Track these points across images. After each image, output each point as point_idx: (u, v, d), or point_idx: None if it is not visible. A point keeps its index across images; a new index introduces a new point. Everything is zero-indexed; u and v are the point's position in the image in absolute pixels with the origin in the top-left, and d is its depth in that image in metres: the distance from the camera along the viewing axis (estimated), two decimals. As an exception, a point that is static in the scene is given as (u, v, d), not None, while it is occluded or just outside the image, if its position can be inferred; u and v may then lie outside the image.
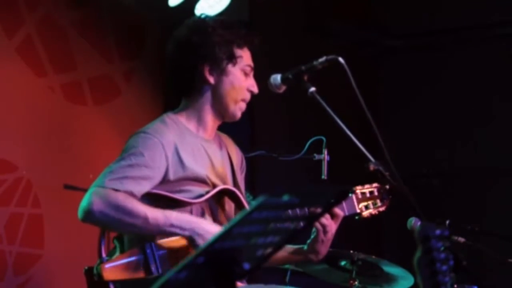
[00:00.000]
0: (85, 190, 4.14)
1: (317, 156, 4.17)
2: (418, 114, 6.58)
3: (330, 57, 2.96)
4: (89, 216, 2.95)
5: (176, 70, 3.24)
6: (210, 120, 3.24)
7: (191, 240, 2.98)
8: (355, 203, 3.44)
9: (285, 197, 2.04)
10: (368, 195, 3.51)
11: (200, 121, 3.22)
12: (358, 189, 3.49)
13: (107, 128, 5.28)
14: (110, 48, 5.30)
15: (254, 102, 3.27)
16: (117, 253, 3.03)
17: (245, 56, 3.22)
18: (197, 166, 3.14)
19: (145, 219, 2.94)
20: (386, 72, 6.81)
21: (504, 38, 6.35)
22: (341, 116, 2.88)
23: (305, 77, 3.00)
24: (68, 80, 5.07)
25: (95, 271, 2.93)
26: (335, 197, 2.33)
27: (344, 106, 3.16)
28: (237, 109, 3.23)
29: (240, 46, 3.21)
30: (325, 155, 4.13)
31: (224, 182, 3.23)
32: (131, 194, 2.97)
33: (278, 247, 2.24)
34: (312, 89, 2.94)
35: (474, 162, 6.34)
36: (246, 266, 2.15)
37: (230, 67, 3.18)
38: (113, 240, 3.09)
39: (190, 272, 2.06)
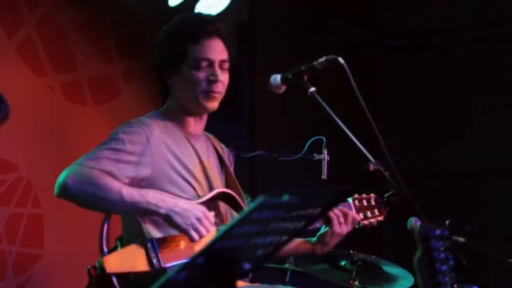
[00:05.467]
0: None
1: (317, 156, 4.17)
2: (418, 114, 6.58)
3: (330, 57, 2.95)
4: (64, 190, 3.00)
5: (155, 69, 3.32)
6: (190, 117, 3.28)
7: (167, 218, 2.99)
8: (354, 210, 3.45)
9: (285, 197, 2.04)
10: (365, 203, 3.52)
11: (180, 118, 3.27)
12: (355, 197, 3.50)
13: (107, 128, 5.25)
14: (110, 48, 5.30)
15: (254, 102, 3.27)
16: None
17: (197, 49, 3.21)
18: (185, 158, 3.17)
19: (120, 194, 2.96)
20: (386, 72, 6.81)
21: (504, 38, 6.35)
22: (341, 116, 2.88)
23: (305, 77, 2.99)
24: (68, 80, 5.07)
25: (97, 265, 2.94)
26: (335, 196, 2.32)
27: (344, 106, 3.16)
28: (204, 101, 3.22)
29: (193, 42, 3.21)
30: (325, 155, 4.13)
31: (210, 176, 3.23)
32: (109, 174, 3.00)
33: (278, 247, 2.24)
34: (312, 89, 2.94)
35: (474, 162, 6.34)
36: (246, 266, 2.16)
37: (181, 66, 3.22)
38: (116, 240, 3.10)
39: (190, 272, 2.06)
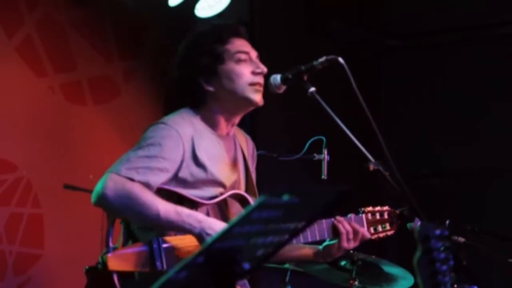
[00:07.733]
0: (85, 190, 4.16)
1: (317, 156, 4.17)
2: (418, 114, 6.58)
3: (330, 57, 2.95)
4: (102, 200, 2.95)
5: (179, 86, 3.25)
6: (224, 121, 3.23)
7: (200, 239, 2.98)
8: (365, 225, 3.38)
9: (285, 197, 2.03)
10: (378, 217, 3.46)
11: (214, 121, 3.22)
12: (368, 210, 3.45)
13: (107, 128, 5.28)
14: (110, 48, 5.30)
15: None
16: (121, 238, 3.04)
17: (231, 47, 3.19)
18: (212, 162, 3.14)
19: (157, 213, 2.94)
20: (386, 72, 6.81)
21: (504, 38, 6.35)
22: (341, 116, 2.88)
23: (305, 77, 2.99)
24: (68, 80, 5.08)
25: (100, 259, 2.93)
26: (337, 196, 2.32)
27: (344, 106, 3.16)
28: (251, 94, 3.18)
29: (222, 41, 3.19)
30: (325, 155, 4.14)
31: (235, 181, 3.22)
32: (147, 185, 2.98)
33: (278, 247, 2.24)
34: (312, 89, 2.94)
35: (474, 162, 6.34)
36: (246, 266, 2.15)
37: (220, 67, 3.17)
38: (121, 222, 3.08)
39: (190, 272, 2.06)
